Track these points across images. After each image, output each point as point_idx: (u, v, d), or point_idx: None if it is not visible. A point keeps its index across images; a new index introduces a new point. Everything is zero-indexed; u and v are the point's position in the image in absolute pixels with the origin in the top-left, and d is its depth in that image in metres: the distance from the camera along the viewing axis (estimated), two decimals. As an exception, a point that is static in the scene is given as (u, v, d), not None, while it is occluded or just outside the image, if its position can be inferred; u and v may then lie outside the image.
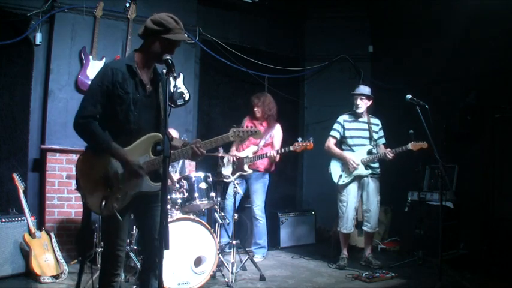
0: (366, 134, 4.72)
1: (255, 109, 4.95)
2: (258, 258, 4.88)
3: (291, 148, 4.54)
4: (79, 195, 4.65)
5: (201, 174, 4.10)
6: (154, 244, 2.53)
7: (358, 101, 4.68)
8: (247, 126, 4.86)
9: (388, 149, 4.51)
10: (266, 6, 6.32)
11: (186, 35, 2.59)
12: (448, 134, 5.40)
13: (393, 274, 4.21)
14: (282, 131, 5.01)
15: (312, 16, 6.91)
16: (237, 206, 4.88)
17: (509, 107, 4.77)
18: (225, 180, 4.69)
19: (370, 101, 4.72)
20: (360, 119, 4.75)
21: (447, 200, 4.98)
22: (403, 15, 6.07)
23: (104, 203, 2.41)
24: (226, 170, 4.79)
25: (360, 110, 4.69)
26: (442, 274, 3.66)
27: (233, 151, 4.97)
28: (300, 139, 4.53)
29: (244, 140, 2.91)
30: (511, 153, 4.77)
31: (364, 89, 4.72)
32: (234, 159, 4.82)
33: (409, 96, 4.03)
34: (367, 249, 4.78)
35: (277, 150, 4.69)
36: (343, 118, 4.78)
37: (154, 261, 2.50)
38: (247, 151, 4.89)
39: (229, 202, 4.89)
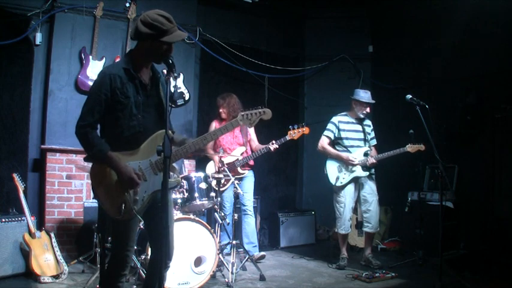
0: (361, 135, 4.74)
1: (220, 110, 4.87)
2: (260, 255, 4.81)
3: (287, 138, 4.45)
4: (79, 195, 4.73)
5: (201, 174, 4.10)
6: (162, 234, 2.41)
7: (368, 109, 4.70)
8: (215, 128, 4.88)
9: (386, 153, 4.52)
10: (266, 6, 6.32)
11: (183, 32, 2.54)
12: (448, 134, 5.40)
13: (393, 274, 4.21)
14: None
15: (312, 16, 6.91)
16: (228, 208, 4.87)
17: (509, 107, 4.78)
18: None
19: None
20: (354, 121, 4.76)
21: (447, 200, 4.98)
22: (403, 15, 6.08)
23: (123, 207, 2.37)
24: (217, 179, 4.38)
25: (364, 116, 4.72)
26: (442, 274, 3.66)
27: (217, 161, 4.64)
28: (291, 126, 4.40)
29: (254, 123, 2.82)
30: (511, 153, 4.78)
31: (370, 97, 4.71)
32: (224, 167, 4.54)
33: (409, 96, 4.04)
34: (367, 249, 4.78)
35: (277, 142, 4.51)
36: (337, 119, 4.78)
37: (165, 252, 2.44)
38: (236, 153, 4.82)
39: (227, 206, 4.88)
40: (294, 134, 4.42)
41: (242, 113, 2.77)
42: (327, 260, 4.90)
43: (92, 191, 2.49)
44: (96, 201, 2.51)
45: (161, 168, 2.47)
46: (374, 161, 4.52)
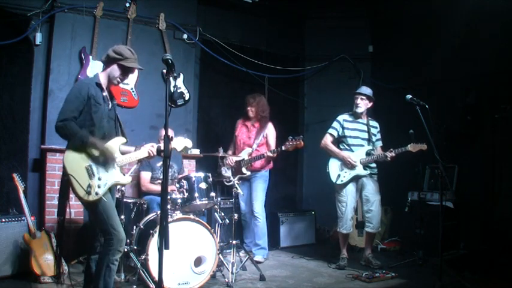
0: (365, 135, 4.72)
1: (249, 108, 4.98)
2: (258, 258, 4.84)
3: (283, 148, 4.54)
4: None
5: (201, 174, 4.10)
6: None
7: (359, 101, 4.69)
8: (240, 130, 5.06)
9: (389, 150, 4.50)
10: (266, 6, 6.32)
11: (138, 66, 3.08)
12: (448, 134, 5.40)
13: (393, 274, 4.20)
14: (274, 129, 5.04)
15: (312, 16, 6.91)
16: (243, 206, 5.09)
17: (509, 107, 4.78)
18: (226, 182, 4.64)
19: (371, 103, 4.73)
20: (360, 120, 4.75)
21: (447, 200, 4.98)
22: (403, 15, 6.08)
23: (89, 188, 2.82)
24: (227, 173, 4.75)
25: (359, 110, 4.69)
26: (442, 274, 3.66)
27: (229, 157, 4.93)
28: (290, 137, 4.51)
29: (180, 147, 3.32)
30: (511, 153, 4.78)
31: (366, 90, 4.72)
32: (231, 163, 4.87)
33: (409, 96, 4.03)
34: (367, 249, 4.78)
35: (273, 150, 4.68)
36: (342, 117, 4.78)
37: (93, 246, 3.03)
38: (243, 154, 4.94)
39: (242, 205, 5.06)
40: (288, 145, 4.49)
41: (176, 138, 3.24)
42: (327, 260, 4.90)
43: (63, 176, 2.90)
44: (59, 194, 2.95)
45: (119, 164, 3.01)
46: (393, 155, 4.46)
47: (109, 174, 2.95)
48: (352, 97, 4.77)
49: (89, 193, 2.81)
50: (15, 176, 4.05)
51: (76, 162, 2.86)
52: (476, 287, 3.81)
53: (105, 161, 2.92)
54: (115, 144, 3.03)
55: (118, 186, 3.62)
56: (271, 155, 4.67)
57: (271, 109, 5.12)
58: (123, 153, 3.07)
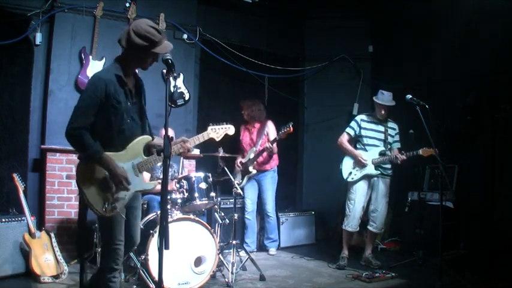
0: (381, 136, 4.72)
1: (242, 112, 5.31)
2: (272, 251, 5.24)
3: (277, 137, 4.73)
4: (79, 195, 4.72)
5: (201, 174, 4.10)
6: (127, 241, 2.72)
7: (383, 112, 4.67)
8: (243, 134, 5.27)
9: (401, 153, 4.51)
10: (266, 6, 6.31)
11: (169, 42, 2.68)
12: (448, 134, 5.40)
13: (393, 274, 4.21)
14: (274, 125, 5.23)
15: (312, 16, 6.90)
16: (249, 204, 5.28)
17: (509, 107, 4.78)
18: (238, 189, 4.66)
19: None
20: (377, 121, 4.75)
21: (447, 200, 4.98)
22: (403, 15, 6.07)
23: (106, 204, 2.51)
24: (238, 179, 4.89)
25: (380, 117, 4.71)
26: (442, 274, 3.66)
27: (238, 160, 5.22)
28: (282, 127, 4.67)
29: (221, 137, 3.09)
30: (511, 153, 4.78)
31: (388, 100, 4.67)
32: (240, 166, 5.15)
33: (409, 96, 4.03)
34: (367, 249, 4.78)
35: (271, 142, 4.88)
36: (361, 117, 4.80)
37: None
38: (249, 154, 5.14)
39: (248, 203, 5.24)
40: (281, 134, 4.63)
41: (211, 127, 3.04)
42: (327, 260, 4.90)
43: (78, 189, 2.58)
44: (79, 199, 2.62)
45: (142, 170, 2.67)
46: (404, 157, 4.45)
47: (130, 183, 2.60)
48: (376, 104, 4.74)
49: (105, 209, 2.50)
50: (15, 176, 4.05)
51: (89, 173, 2.52)
52: (476, 287, 3.81)
53: (115, 184, 2.54)
54: (138, 146, 2.66)
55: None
56: (268, 145, 4.83)
57: (271, 109, 5.16)
58: (153, 148, 2.72)
